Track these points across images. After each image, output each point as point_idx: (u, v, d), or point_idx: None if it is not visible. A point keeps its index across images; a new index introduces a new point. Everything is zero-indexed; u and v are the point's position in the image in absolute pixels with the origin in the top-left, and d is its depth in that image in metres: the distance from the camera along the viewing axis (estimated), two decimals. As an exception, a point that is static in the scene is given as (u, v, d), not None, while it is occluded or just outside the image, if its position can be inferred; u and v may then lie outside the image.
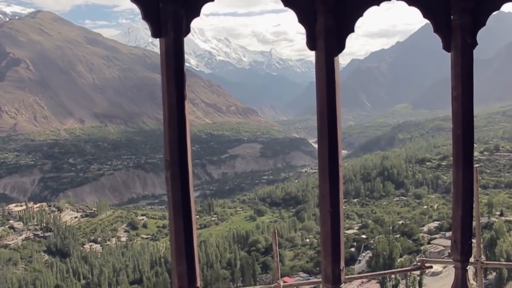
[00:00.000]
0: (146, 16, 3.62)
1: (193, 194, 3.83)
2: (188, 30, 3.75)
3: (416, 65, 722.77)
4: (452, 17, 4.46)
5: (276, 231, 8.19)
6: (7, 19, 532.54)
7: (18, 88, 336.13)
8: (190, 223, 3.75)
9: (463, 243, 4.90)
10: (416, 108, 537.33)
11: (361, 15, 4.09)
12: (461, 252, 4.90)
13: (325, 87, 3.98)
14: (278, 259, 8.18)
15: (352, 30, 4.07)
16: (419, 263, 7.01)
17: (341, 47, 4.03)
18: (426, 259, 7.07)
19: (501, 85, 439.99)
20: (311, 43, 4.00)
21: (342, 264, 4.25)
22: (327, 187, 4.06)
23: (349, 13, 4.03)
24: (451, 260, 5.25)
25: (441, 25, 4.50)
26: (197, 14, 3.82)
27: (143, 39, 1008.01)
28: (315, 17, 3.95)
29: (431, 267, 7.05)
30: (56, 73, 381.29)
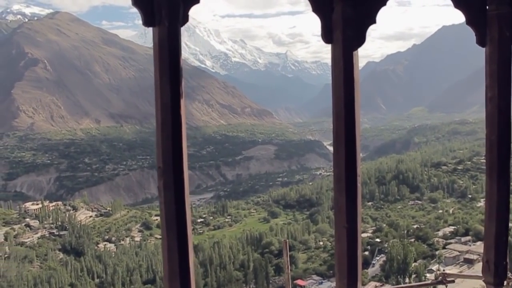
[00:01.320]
0: (137, 2, 3.25)
1: (189, 207, 3.43)
2: (185, 19, 3.35)
3: (432, 68, 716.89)
4: (488, 7, 3.95)
5: (287, 241, 8.02)
6: (26, 19, 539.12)
7: (35, 88, 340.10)
8: (185, 240, 3.35)
9: (497, 264, 4.26)
10: (432, 111, 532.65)
11: (384, 3, 3.66)
12: (495, 274, 4.26)
13: (342, 85, 3.54)
14: (289, 270, 7.94)
15: (374, 21, 3.64)
16: (440, 277, 6.54)
17: (361, 40, 3.58)
18: (447, 273, 6.59)
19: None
20: (327, 35, 3.56)
21: (359, 286, 3.78)
22: (343, 200, 3.60)
23: (370, 1, 3.60)
24: (477, 275, 4.72)
25: (475, 16, 4.00)
26: (196, 0, 3.40)
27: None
28: (331, 5, 3.51)
29: (453, 281, 6.70)
30: (73, 73, 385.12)
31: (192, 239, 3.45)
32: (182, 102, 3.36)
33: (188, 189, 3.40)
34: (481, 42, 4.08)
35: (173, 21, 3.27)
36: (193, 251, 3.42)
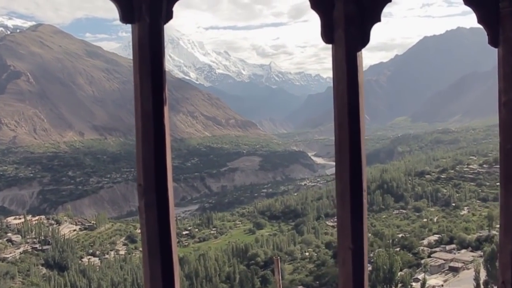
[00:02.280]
0: None
1: (174, 230, 3.04)
2: (169, 15, 3.00)
3: (415, 78, 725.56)
4: (500, 4, 3.53)
5: (279, 258, 7.97)
6: (9, 32, 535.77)
7: (18, 101, 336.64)
8: (170, 267, 2.97)
9: None
10: (415, 121, 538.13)
11: (388, 0, 3.33)
12: None
13: (346, 89, 3.20)
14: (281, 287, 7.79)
15: (379, 19, 3.31)
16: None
17: (365, 39, 3.26)
18: None
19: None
20: (327, 34, 3.24)
21: None
22: (348, 217, 3.22)
23: None
24: None
25: (487, 14, 3.57)
26: None
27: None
28: (332, 1, 3.20)
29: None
30: (56, 85, 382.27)
31: (178, 267, 3.06)
32: (166, 109, 2.98)
33: (173, 210, 3.03)
34: (493, 42, 3.69)
35: (155, 17, 2.91)
36: (180, 278, 3.10)
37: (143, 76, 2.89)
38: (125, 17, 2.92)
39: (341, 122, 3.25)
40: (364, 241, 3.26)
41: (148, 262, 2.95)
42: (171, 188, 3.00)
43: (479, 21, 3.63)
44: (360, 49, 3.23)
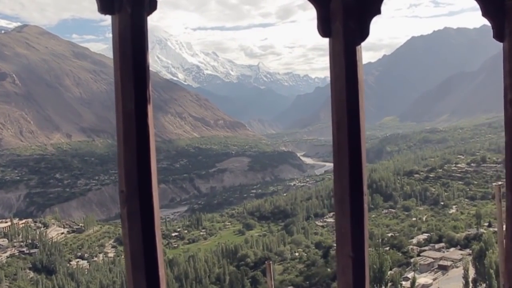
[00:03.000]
0: None
1: (160, 241, 2.78)
2: (153, 5, 2.78)
3: (403, 78, 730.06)
4: None
5: (271, 263, 7.64)
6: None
7: (3, 103, 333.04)
8: (156, 281, 2.70)
9: None
10: (403, 121, 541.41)
11: None
12: None
13: (344, 86, 2.99)
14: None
15: (379, 11, 3.14)
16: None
17: (364, 32, 3.07)
18: None
19: (486, 97, 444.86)
20: (324, 27, 3.04)
21: None
22: (348, 224, 3.03)
23: None
24: None
25: (492, 7, 3.40)
26: None
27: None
28: None
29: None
30: (43, 87, 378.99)
31: (165, 281, 2.74)
32: (150, 109, 2.75)
33: (158, 218, 2.77)
34: (498, 36, 3.48)
35: (138, 7, 2.68)
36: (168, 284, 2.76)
37: (124, 72, 2.70)
38: (104, 7, 2.68)
39: (339, 122, 3.06)
40: (365, 249, 3.07)
41: (132, 276, 2.69)
42: (156, 194, 2.75)
43: (484, 15, 3.44)
44: (359, 43, 3.04)
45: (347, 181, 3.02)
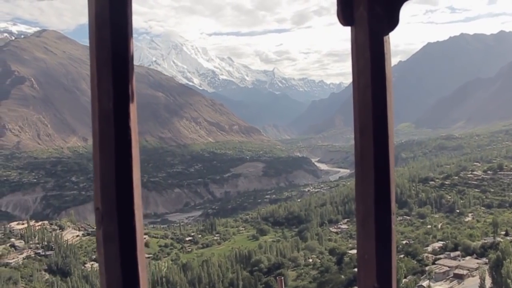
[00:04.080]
0: None
1: (144, 270, 2.15)
2: None
3: (418, 84, 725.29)
4: None
5: (282, 279, 7.69)
6: (13, 38, 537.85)
7: (22, 106, 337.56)
8: None
9: None
10: (419, 127, 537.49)
11: None
12: None
13: (369, 84, 2.40)
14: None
15: None
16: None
17: (393, 20, 2.51)
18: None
19: (503, 104, 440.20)
20: (345, 14, 2.47)
21: None
22: (372, 249, 2.40)
23: None
24: None
25: None
26: None
27: (147, 58, 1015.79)
28: None
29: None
30: (60, 91, 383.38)
31: None
32: (132, 108, 2.17)
33: (142, 242, 2.21)
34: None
35: None
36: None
37: (101, 62, 2.10)
38: None
39: (363, 126, 2.44)
40: (393, 279, 2.45)
41: None
42: (140, 213, 2.24)
43: None
44: (387, 33, 2.48)
45: (372, 197, 2.41)
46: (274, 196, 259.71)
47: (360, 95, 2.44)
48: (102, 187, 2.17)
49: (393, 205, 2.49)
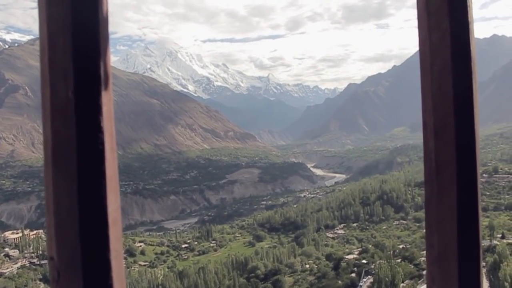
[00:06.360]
0: None
1: None
2: None
3: (412, 88, 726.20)
4: None
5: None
6: (7, 46, 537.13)
7: (16, 114, 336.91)
8: None
9: None
10: (413, 131, 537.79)
11: None
12: None
13: (449, 66, 1.61)
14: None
15: None
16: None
17: None
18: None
19: (497, 107, 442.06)
20: None
21: None
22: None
23: None
24: None
25: None
26: None
27: (141, 65, 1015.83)
28: None
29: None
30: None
31: None
32: (107, 98, 1.41)
33: None
34: None
35: None
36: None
37: (54, 26, 1.24)
38: None
39: (439, 126, 1.66)
40: None
41: None
42: (121, 264, 1.36)
43: None
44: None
45: (453, 227, 1.54)
46: (270, 202, 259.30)
47: (434, 82, 1.69)
48: (57, 225, 1.23)
49: (480, 238, 1.60)
